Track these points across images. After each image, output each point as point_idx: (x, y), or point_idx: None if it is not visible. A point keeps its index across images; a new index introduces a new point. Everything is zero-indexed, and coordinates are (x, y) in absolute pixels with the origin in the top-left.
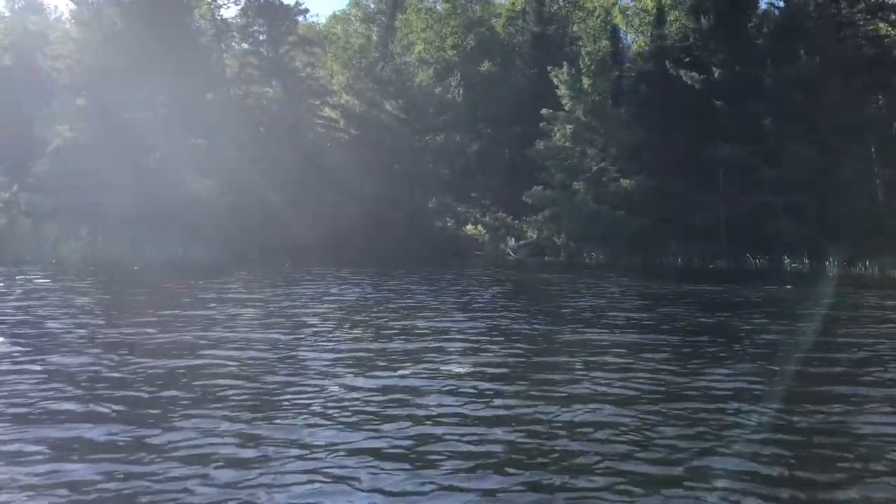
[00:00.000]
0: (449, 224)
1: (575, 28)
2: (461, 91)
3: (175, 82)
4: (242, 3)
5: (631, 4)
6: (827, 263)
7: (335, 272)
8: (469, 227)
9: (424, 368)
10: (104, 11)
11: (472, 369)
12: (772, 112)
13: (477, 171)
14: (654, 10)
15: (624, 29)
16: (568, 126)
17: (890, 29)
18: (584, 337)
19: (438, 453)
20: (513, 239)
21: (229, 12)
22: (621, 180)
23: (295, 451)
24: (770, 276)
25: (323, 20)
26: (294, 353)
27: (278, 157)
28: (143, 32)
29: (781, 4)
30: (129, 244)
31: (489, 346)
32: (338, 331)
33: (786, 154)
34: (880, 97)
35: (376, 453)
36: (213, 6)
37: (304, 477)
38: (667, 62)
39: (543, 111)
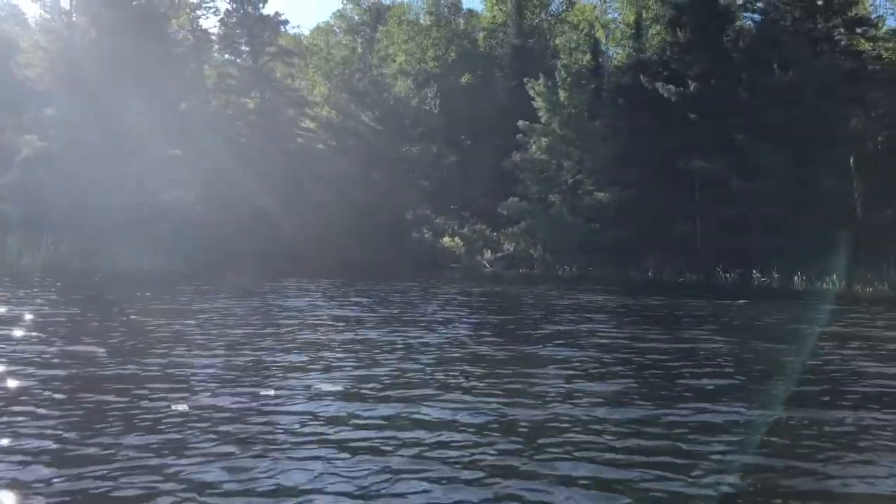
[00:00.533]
0: (426, 236)
1: (557, 41)
2: (437, 102)
3: (151, 92)
4: (222, 14)
5: (617, 17)
6: (795, 278)
7: (296, 283)
8: (446, 238)
9: (294, 384)
10: (76, 21)
11: (340, 385)
12: (746, 125)
13: (458, 182)
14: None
15: (605, 43)
16: (543, 138)
17: (867, 44)
18: (486, 350)
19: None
20: (489, 251)
21: (209, 22)
22: (596, 193)
23: (80, 458)
24: (733, 291)
25: (307, 31)
26: (171, 367)
27: (256, 167)
28: (117, 42)
29: (758, 18)
30: (97, 254)
31: (383, 360)
32: (242, 343)
33: (760, 167)
34: (860, 111)
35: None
36: (192, 16)
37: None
38: (642, 75)
39: (520, 123)
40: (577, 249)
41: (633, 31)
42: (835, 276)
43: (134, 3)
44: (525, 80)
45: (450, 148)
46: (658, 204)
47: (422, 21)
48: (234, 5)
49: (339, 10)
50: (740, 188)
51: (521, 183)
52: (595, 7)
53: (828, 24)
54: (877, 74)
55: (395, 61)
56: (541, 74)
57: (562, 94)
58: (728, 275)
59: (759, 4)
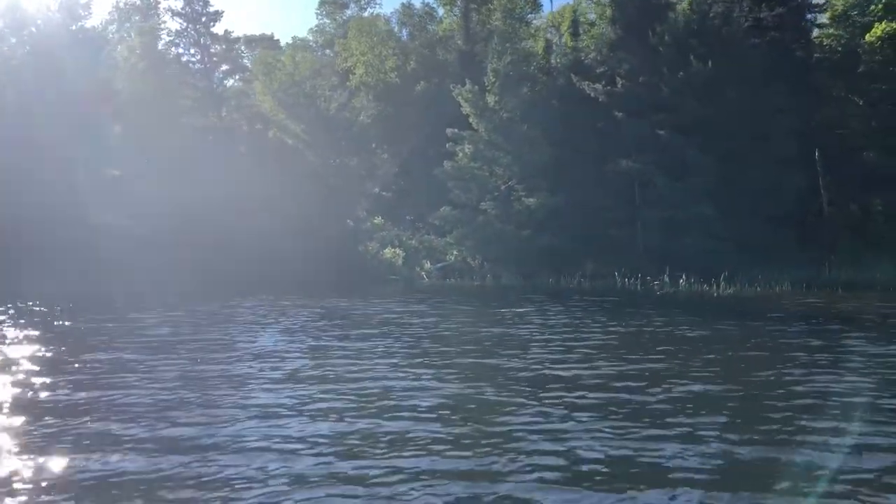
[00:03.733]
0: (370, 247)
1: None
2: (371, 113)
3: (86, 116)
4: (174, 35)
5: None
6: (681, 281)
7: (187, 305)
8: (387, 250)
9: None
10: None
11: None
12: (672, 121)
13: (413, 192)
14: (570, 24)
15: (566, 44)
16: (468, 145)
17: (825, 32)
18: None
19: None
20: (427, 262)
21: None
22: (525, 199)
23: None
24: (611, 296)
25: (282, 44)
26: None
27: (201, 185)
28: (48, 65)
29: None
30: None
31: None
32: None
33: (689, 165)
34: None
35: None
36: (142, 41)
37: None
38: (572, 75)
39: (448, 131)
40: (515, 258)
41: (571, 30)
42: (722, 279)
43: (73, 27)
44: (451, 86)
45: (396, 157)
46: (594, 208)
47: (400, 34)
48: (185, 24)
49: (316, 26)
50: (667, 188)
51: (452, 192)
52: (553, 12)
53: (771, 11)
54: (822, 63)
55: (354, 73)
56: (466, 80)
57: (491, 99)
58: (627, 280)
59: None
